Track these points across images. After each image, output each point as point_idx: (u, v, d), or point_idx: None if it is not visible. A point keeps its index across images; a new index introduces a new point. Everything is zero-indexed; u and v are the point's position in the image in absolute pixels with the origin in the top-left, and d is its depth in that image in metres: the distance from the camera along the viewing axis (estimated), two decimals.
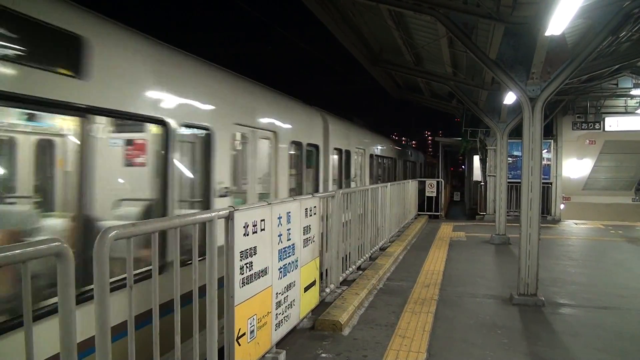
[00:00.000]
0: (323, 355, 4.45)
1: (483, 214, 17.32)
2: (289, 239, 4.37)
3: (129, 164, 5.14)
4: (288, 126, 7.66)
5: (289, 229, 4.36)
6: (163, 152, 4.45)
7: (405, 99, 20.01)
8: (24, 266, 1.82)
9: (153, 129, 4.53)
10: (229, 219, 3.31)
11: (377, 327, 5.21)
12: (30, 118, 4.38)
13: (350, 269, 6.98)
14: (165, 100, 4.53)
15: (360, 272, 7.30)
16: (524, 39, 6.31)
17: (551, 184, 17.01)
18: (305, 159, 8.39)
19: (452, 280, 7.45)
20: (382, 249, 9.33)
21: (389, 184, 10.59)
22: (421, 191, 17.49)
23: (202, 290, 3.09)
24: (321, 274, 5.59)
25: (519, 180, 6.96)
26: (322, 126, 9.46)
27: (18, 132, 4.55)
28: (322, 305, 5.50)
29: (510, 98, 9.80)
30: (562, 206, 17.30)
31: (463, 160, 34.88)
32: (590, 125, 16.91)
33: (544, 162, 14.54)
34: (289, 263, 4.39)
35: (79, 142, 3.57)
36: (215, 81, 5.75)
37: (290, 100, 8.40)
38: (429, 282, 7.22)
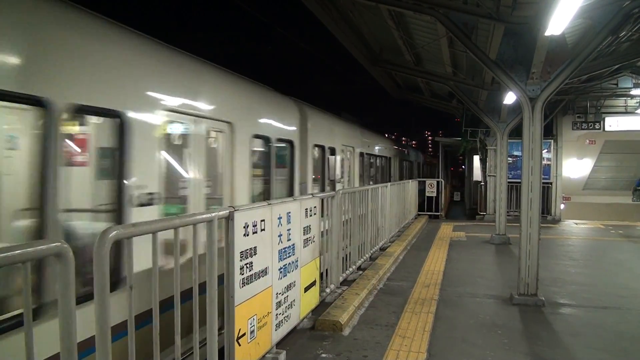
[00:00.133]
0: (323, 355, 4.45)
1: (483, 214, 17.32)
2: (289, 239, 4.37)
3: None
4: (250, 117, 6.45)
5: (289, 229, 4.36)
6: (42, 145, 3.22)
7: (405, 99, 20.00)
8: (24, 266, 1.82)
9: (24, 112, 3.37)
10: (229, 219, 3.32)
11: (378, 327, 5.21)
12: None
13: (351, 269, 6.98)
14: (37, 66, 3.21)
15: (361, 272, 7.29)
16: (524, 39, 6.31)
17: (551, 183, 17.00)
18: (275, 157, 7.07)
19: (452, 280, 7.45)
20: (382, 249, 9.32)
21: (389, 184, 10.56)
22: (421, 191, 17.47)
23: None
24: (321, 274, 5.58)
25: (519, 180, 6.95)
26: (298, 119, 8.19)
27: None
28: (322, 305, 5.50)
29: (510, 98, 9.79)
30: (562, 206, 17.30)
31: (463, 160, 34.89)
32: (590, 125, 16.92)
33: (544, 162, 14.52)
34: (289, 263, 4.39)
35: None
36: (128, 50, 4.25)
37: (254, 85, 7.00)
38: (429, 282, 7.22)
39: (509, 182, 12.56)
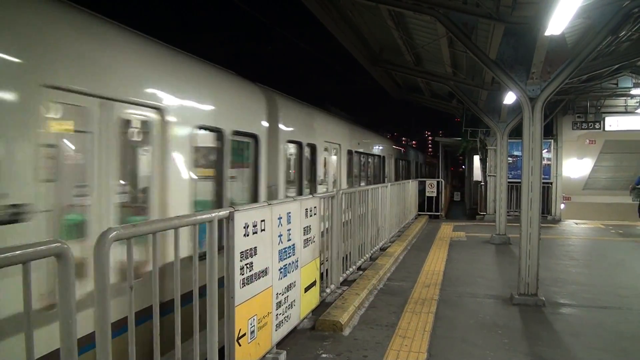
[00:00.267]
0: (323, 355, 4.45)
1: (483, 214, 17.33)
2: (289, 240, 4.37)
3: None
4: (193, 103, 5.14)
5: (289, 230, 4.36)
6: None
7: (405, 99, 20.00)
8: (24, 266, 1.82)
9: None
10: (229, 219, 3.32)
11: (378, 327, 5.21)
12: None
13: (351, 269, 6.98)
14: None
15: (361, 272, 7.30)
16: (524, 38, 6.31)
17: (551, 183, 17.01)
18: (231, 154, 5.84)
19: (452, 280, 7.45)
20: (383, 249, 9.33)
21: (389, 184, 10.55)
22: (421, 191, 17.46)
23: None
24: (321, 274, 5.57)
25: (519, 180, 6.95)
26: (265, 110, 6.92)
27: None
28: (323, 305, 5.50)
29: (510, 98, 9.80)
30: (562, 206, 17.30)
31: (463, 160, 34.90)
32: (590, 125, 16.92)
33: (544, 162, 14.54)
34: (290, 263, 4.39)
35: None
36: None
37: (204, 65, 5.77)
38: (430, 282, 7.22)
39: (509, 182, 12.55)
